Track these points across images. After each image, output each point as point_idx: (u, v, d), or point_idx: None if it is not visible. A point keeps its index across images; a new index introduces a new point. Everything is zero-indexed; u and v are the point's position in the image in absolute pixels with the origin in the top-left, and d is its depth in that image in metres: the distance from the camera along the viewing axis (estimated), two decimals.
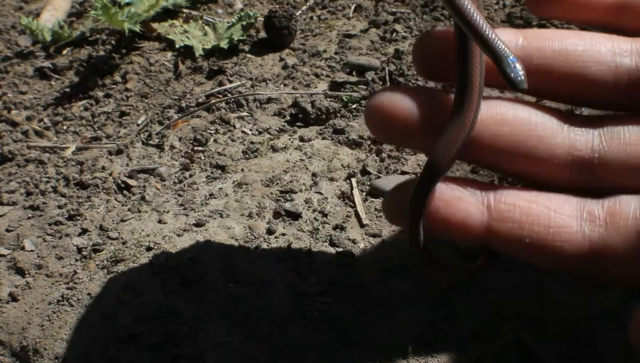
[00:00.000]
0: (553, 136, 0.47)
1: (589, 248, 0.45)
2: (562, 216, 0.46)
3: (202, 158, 0.76)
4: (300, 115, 0.80)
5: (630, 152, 0.46)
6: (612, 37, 0.48)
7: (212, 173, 0.74)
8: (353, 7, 0.99)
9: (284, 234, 0.65)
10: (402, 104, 0.46)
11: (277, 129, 0.79)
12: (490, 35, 0.43)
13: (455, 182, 0.47)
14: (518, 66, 0.42)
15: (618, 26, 0.49)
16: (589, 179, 0.47)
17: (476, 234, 0.46)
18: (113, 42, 1.00)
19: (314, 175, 0.71)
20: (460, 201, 0.46)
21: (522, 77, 0.42)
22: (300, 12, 1.00)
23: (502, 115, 0.46)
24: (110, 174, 0.76)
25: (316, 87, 0.84)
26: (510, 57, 0.43)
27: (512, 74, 0.42)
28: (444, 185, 0.46)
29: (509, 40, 0.46)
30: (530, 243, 0.46)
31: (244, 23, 0.95)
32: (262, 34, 0.96)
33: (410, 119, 0.46)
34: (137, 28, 0.95)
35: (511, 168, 0.48)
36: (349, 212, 0.67)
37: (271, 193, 0.69)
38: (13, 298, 0.63)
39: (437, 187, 0.46)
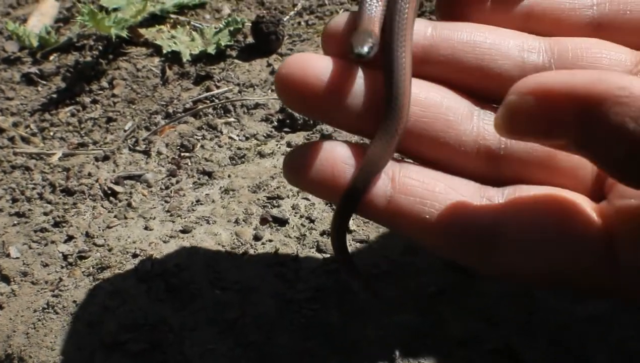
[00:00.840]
0: (462, 122, 0.46)
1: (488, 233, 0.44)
2: (464, 198, 0.45)
3: (189, 164, 0.76)
4: (288, 121, 0.79)
5: (535, 145, 0.45)
6: (522, 34, 0.48)
7: (198, 179, 0.73)
8: (341, 13, 0.99)
9: (270, 240, 0.64)
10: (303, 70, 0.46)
11: (265, 134, 0.79)
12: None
13: (358, 151, 0.46)
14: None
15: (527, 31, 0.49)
16: (493, 169, 0.47)
17: (378, 207, 0.46)
18: (100, 47, 0.99)
19: None
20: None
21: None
22: (287, 17, 1.00)
23: (415, 95, 0.45)
24: (97, 180, 0.75)
25: None
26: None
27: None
28: (345, 151, 0.46)
29: (419, 29, 0.47)
30: (429, 221, 0.45)
31: (232, 28, 0.95)
32: (250, 39, 0.96)
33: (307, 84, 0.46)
34: (124, 33, 0.95)
35: (416, 150, 0.47)
36: None
37: (258, 199, 0.69)
38: None
39: (338, 153, 0.46)
